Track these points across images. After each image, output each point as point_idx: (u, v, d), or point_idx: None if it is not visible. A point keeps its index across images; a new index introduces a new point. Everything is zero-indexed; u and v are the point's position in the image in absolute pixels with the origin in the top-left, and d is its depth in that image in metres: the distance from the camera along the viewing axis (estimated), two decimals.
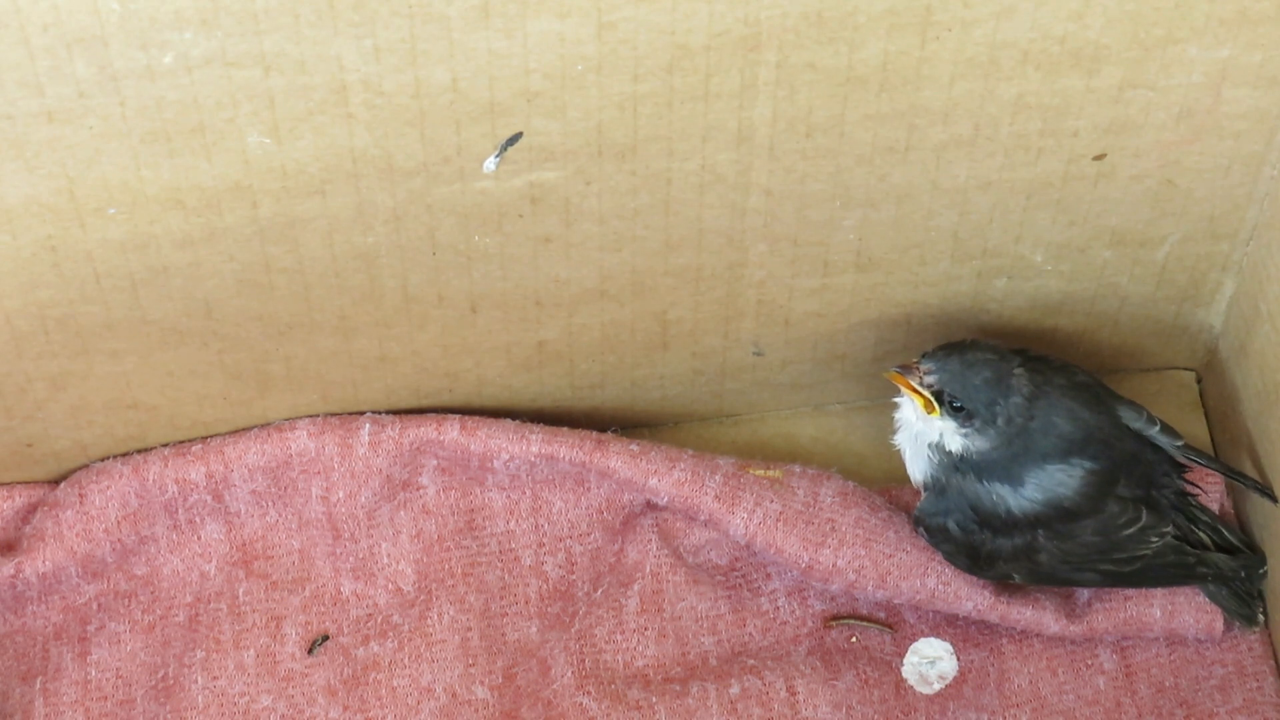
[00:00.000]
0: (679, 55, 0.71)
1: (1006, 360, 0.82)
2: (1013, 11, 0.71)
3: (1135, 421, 0.84)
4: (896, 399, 0.84)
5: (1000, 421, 0.81)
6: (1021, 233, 0.83)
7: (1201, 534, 0.85)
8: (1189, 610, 0.85)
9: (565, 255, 0.81)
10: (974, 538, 0.83)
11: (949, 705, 0.86)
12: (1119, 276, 0.86)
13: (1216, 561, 0.84)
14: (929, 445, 0.83)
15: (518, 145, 0.74)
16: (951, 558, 0.85)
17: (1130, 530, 0.83)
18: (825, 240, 0.82)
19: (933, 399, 0.82)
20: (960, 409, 0.81)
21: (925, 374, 0.82)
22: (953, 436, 0.82)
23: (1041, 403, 0.82)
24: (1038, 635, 0.86)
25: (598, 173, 0.76)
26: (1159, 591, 0.85)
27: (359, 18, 0.68)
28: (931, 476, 0.84)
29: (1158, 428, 0.85)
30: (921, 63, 0.73)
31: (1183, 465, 0.85)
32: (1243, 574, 0.85)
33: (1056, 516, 0.82)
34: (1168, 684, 0.86)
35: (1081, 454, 0.82)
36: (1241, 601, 0.85)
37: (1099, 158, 0.79)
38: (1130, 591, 0.85)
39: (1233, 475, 0.87)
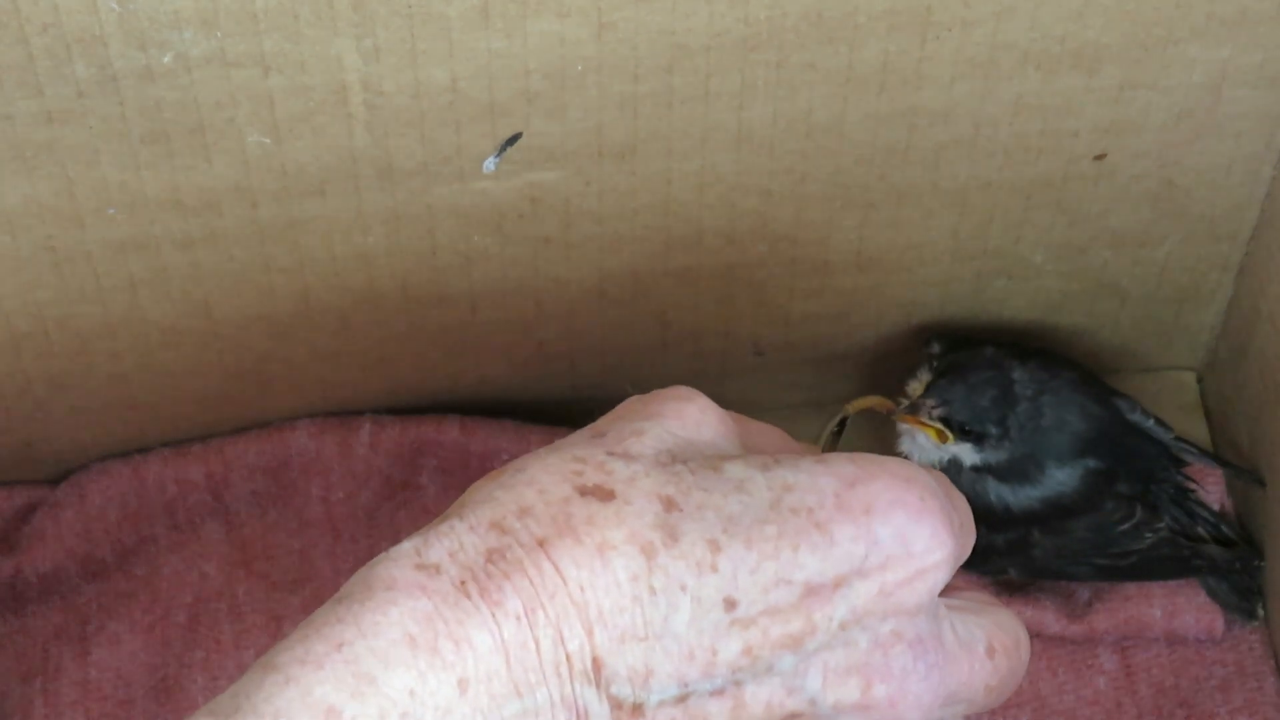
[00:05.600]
0: (679, 55, 0.71)
1: (1005, 367, 0.82)
2: (1013, 11, 0.71)
3: (1131, 414, 0.85)
4: (900, 437, 0.85)
5: (1013, 432, 0.82)
6: (1021, 233, 0.83)
7: (1199, 528, 0.85)
8: (1189, 610, 0.85)
9: (565, 255, 0.81)
10: None
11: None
12: (1119, 276, 0.86)
13: (1212, 553, 0.84)
14: (934, 461, 0.84)
15: (518, 145, 0.74)
16: None
17: (1124, 527, 0.83)
18: (825, 240, 0.82)
19: (944, 429, 0.82)
20: (971, 432, 0.82)
21: (932, 409, 0.82)
22: (969, 455, 0.83)
23: (1049, 398, 0.82)
24: (1038, 635, 0.86)
25: (597, 173, 0.76)
26: (1159, 591, 0.85)
27: (359, 18, 0.68)
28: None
29: (1152, 421, 0.85)
30: (921, 63, 0.73)
31: (1180, 460, 0.86)
32: (1238, 565, 0.85)
33: (1053, 514, 0.83)
34: (1168, 684, 0.86)
35: (1092, 452, 0.83)
36: (1241, 596, 0.85)
37: (1099, 158, 0.79)
38: (1130, 591, 0.86)
39: (1223, 464, 0.87)
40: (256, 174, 0.74)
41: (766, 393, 0.92)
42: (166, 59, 0.68)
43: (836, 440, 0.88)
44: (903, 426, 0.84)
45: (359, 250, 0.79)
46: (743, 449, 0.58)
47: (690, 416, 0.58)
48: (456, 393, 0.89)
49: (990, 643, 0.58)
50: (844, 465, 0.56)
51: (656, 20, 0.70)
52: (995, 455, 0.82)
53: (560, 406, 0.91)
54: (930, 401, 0.82)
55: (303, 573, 0.88)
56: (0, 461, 0.88)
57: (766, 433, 0.62)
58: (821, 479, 0.55)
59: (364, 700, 0.50)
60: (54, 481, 0.90)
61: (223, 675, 0.86)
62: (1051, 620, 0.85)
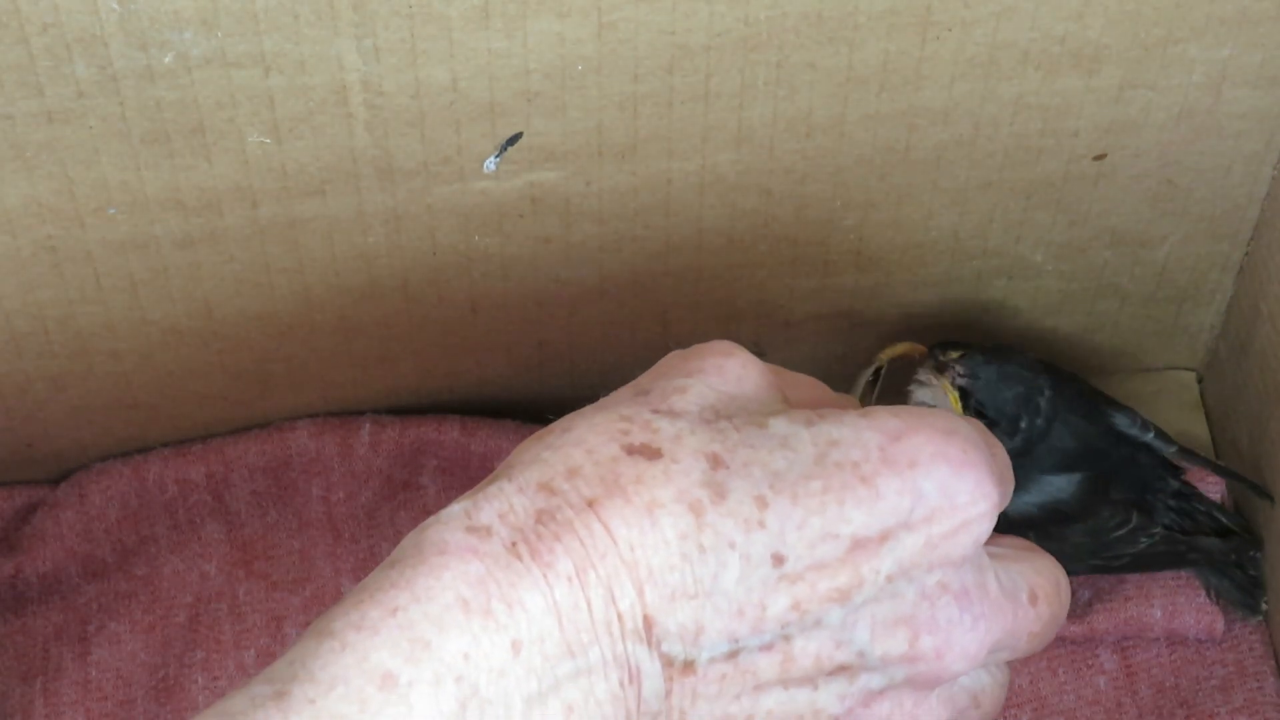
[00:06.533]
0: (679, 55, 0.71)
1: (1037, 379, 0.82)
2: (1013, 11, 0.71)
3: (1130, 428, 0.85)
4: (911, 387, 0.84)
5: (1019, 439, 0.82)
6: (1021, 233, 0.83)
7: (1199, 524, 0.85)
8: (1190, 610, 0.85)
9: (565, 255, 0.81)
10: None
11: None
12: (1119, 276, 0.86)
13: (1208, 546, 0.84)
14: None
15: (518, 145, 0.74)
16: None
17: (1120, 532, 0.83)
18: (825, 240, 0.82)
19: (959, 398, 0.82)
20: (985, 417, 0.82)
21: (959, 374, 0.82)
22: None
23: (1056, 422, 0.82)
24: None
25: (598, 173, 0.76)
26: (1159, 591, 0.85)
27: (359, 18, 0.68)
28: None
29: (1152, 434, 0.85)
30: (921, 63, 0.73)
31: (1179, 467, 0.86)
32: (1233, 557, 0.85)
33: (1050, 520, 0.83)
34: (1168, 684, 0.86)
35: (1078, 466, 0.83)
36: (1244, 592, 0.85)
37: (1099, 158, 0.79)
38: (1130, 591, 0.85)
39: (1229, 475, 0.87)
40: (256, 174, 0.74)
41: None
42: (167, 59, 0.68)
43: (873, 389, 0.88)
44: (922, 376, 0.84)
45: (359, 250, 0.79)
46: (784, 402, 0.58)
47: (731, 371, 0.58)
48: (456, 393, 0.89)
49: (1033, 590, 0.59)
50: (887, 419, 0.56)
51: (656, 20, 0.70)
52: None
53: (560, 406, 0.90)
54: (960, 369, 0.82)
55: (303, 573, 0.88)
56: (0, 461, 0.88)
57: (806, 385, 0.62)
58: (865, 433, 0.55)
59: (419, 665, 0.50)
60: (54, 481, 0.90)
61: (223, 675, 0.86)
62: None
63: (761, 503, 0.53)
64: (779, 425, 0.55)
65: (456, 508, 0.54)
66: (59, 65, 0.68)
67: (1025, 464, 0.82)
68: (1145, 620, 0.85)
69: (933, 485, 0.55)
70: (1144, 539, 0.83)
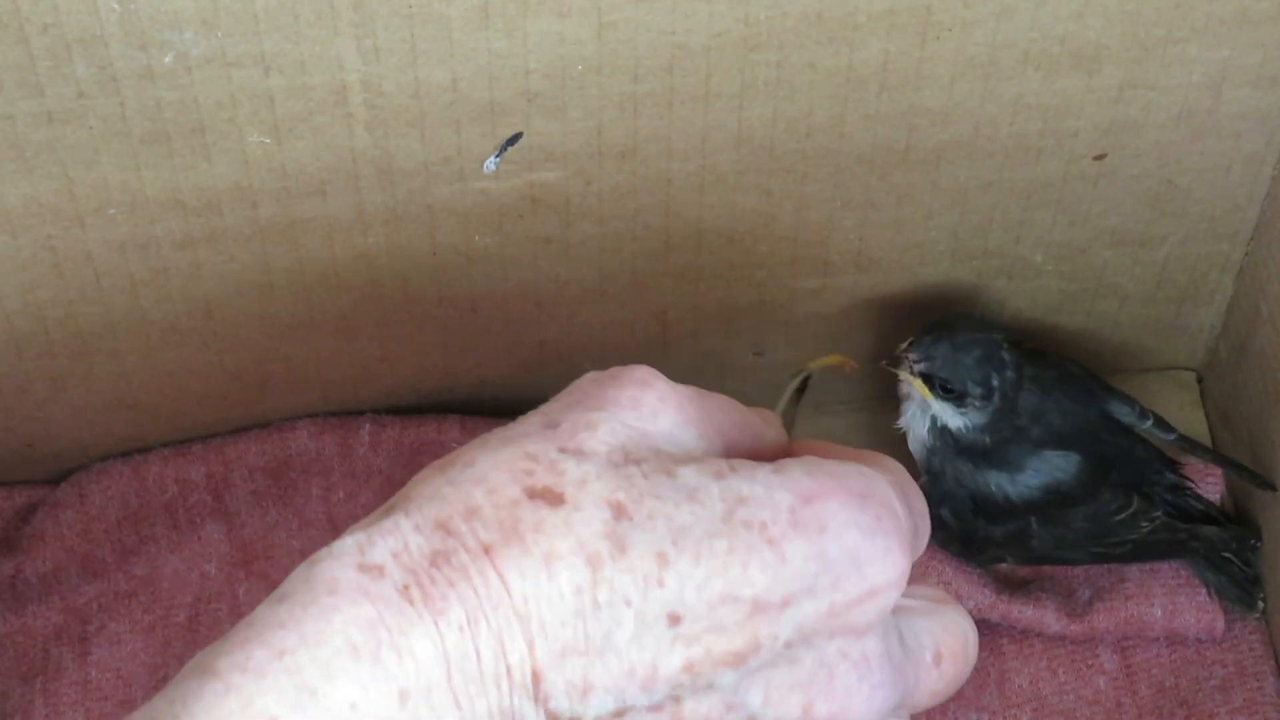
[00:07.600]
0: (679, 55, 0.71)
1: (993, 334, 0.83)
2: (1013, 11, 0.71)
3: (1127, 416, 0.85)
4: (901, 380, 0.85)
5: (996, 397, 0.82)
6: (1021, 233, 0.83)
7: (1195, 517, 0.85)
8: (1190, 610, 0.85)
9: (565, 255, 0.81)
10: (968, 525, 0.84)
11: (949, 705, 0.86)
12: (1119, 276, 0.86)
13: (1208, 534, 0.84)
14: (928, 428, 0.84)
15: (518, 145, 0.74)
16: (944, 545, 0.85)
17: (1121, 516, 0.83)
18: (825, 240, 0.82)
19: (924, 384, 0.83)
20: (952, 390, 0.82)
21: (915, 362, 0.82)
22: (951, 416, 0.83)
23: (1032, 385, 0.83)
24: (1038, 635, 0.86)
25: (598, 173, 0.76)
26: (1159, 591, 0.85)
27: (359, 18, 0.68)
28: (929, 460, 0.85)
29: (1150, 422, 0.85)
30: (921, 63, 0.73)
31: (1176, 461, 0.86)
32: (1234, 546, 0.85)
33: (1053, 501, 0.83)
34: (1168, 684, 0.86)
35: (1072, 445, 0.83)
36: (1242, 588, 0.85)
37: (1099, 158, 0.79)
38: (1131, 591, 0.86)
39: (1228, 465, 0.87)
40: (256, 174, 0.74)
41: (767, 393, 0.92)
42: (167, 59, 0.68)
43: (799, 399, 0.87)
44: (906, 388, 0.85)
45: (359, 250, 0.79)
46: (700, 434, 0.57)
47: (647, 404, 0.57)
48: (456, 393, 0.89)
49: (938, 649, 0.57)
50: (801, 478, 0.54)
51: (656, 20, 0.70)
52: (976, 419, 0.82)
53: None
54: (913, 356, 0.82)
55: None
56: (0, 461, 0.88)
57: (722, 409, 0.59)
58: (777, 493, 0.53)
59: (304, 712, 0.49)
60: (54, 481, 0.90)
61: None
62: (1051, 620, 0.85)
63: (663, 560, 0.52)
64: (688, 475, 0.53)
65: (349, 540, 0.52)
66: (59, 65, 0.68)
67: (1010, 436, 0.83)
68: (1145, 619, 0.85)
69: (841, 552, 0.53)
70: (1145, 523, 0.83)
